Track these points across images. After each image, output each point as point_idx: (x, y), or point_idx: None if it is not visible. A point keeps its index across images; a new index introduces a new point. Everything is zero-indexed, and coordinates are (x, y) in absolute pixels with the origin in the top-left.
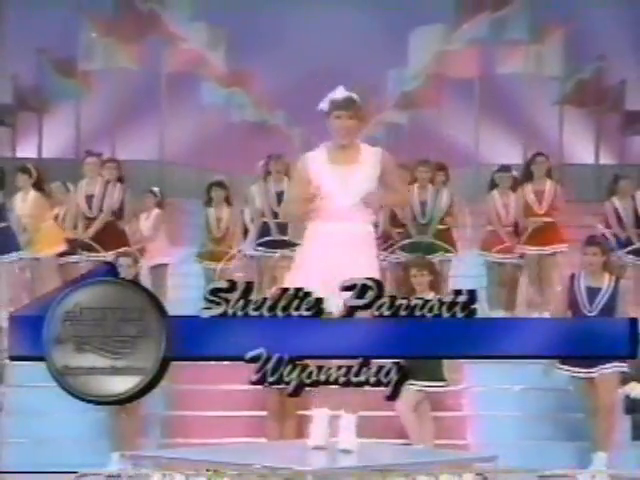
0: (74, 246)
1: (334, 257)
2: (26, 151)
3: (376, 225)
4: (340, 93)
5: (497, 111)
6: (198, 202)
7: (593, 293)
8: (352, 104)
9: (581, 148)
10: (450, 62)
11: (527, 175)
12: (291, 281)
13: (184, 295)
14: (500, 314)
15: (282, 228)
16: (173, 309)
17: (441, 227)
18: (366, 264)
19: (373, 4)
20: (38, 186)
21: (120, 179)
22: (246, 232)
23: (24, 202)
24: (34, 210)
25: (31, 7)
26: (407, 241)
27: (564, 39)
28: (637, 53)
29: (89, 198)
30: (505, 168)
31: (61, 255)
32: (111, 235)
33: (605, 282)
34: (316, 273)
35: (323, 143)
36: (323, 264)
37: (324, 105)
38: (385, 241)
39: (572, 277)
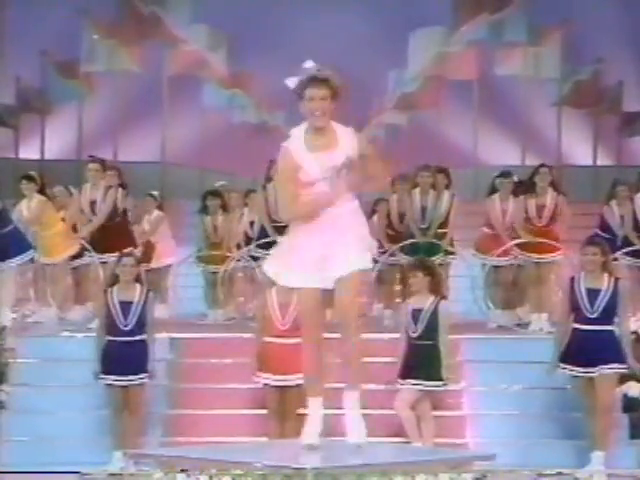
0: (84, 248)
1: (323, 237)
2: (29, 152)
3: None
4: (312, 72)
5: (496, 112)
6: (200, 203)
7: (593, 294)
8: (325, 83)
9: (579, 149)
10: (449, 64)
11: (530, 186)
12: (275, 261)
13: (184, 295)
14: (498, 314)
15: (283, 231)
16: (174, 308)
17: (441, 230)
18: (355, 241)
19: (373, 6)
20: (42, 192)
21: (122, 185)
22: (245, 235)
23: (29, 209)
24: (40, 215)
25: (34, 9)
26: (408, 241)
27: (562, 41)
28: (634, 55)
29: (92, 203)
30: (506, 174)
31: (73, 257)
32: (116, 237)
33: (605, 283)
34: (304, 253)
35: (296, 128)
36: (311, 244)
37: (291, 82)
38: (381, 246)
39: (572, 279)
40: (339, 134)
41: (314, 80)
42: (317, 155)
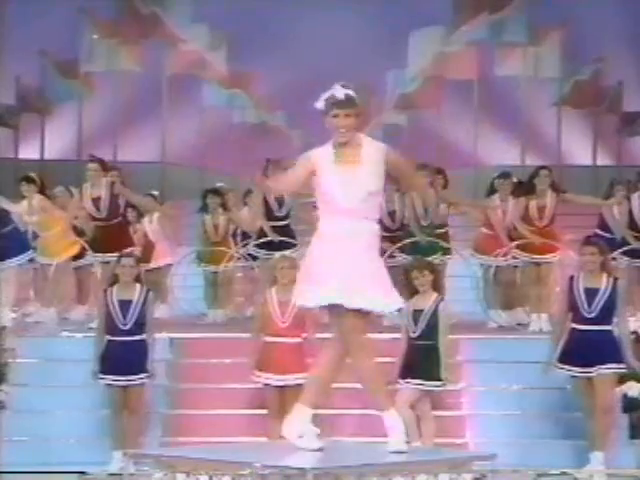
0: (84, 248)
1: (341, 258)
2: (29, 152)
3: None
4: (337, 92)
5: (495, 112)
6: (199, 203)
7: (592, 294)
8: (349, 102)
9: (579, 149)
10: (449, 64)
11: (530, 188)
12: (299, 283)
13: (184, 295)
14: (498, 314)
15: (281, 230)
16: (174, 308)
17: (440, 230)
18: (368, 271)
19: (373, 6)
20: (42, 192)
21: (123, 184)
22: (244, 235)
23: (30, 210)
24: (41, 216)
25: (34, 9)
26: (407, 241)
27: (562, 41)
28: (634, 54)
29: (96, 201)
30: (505, 175)
31: (74, 258)
32: (117, 237)
33: (603, 283)
34: (323, 275)
35: (325, 146)
36: (329, 265)
37: (320, 104)
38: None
39: (571, 279)
40: (365, 149)
41: (341, 99)
42: (338, 167)
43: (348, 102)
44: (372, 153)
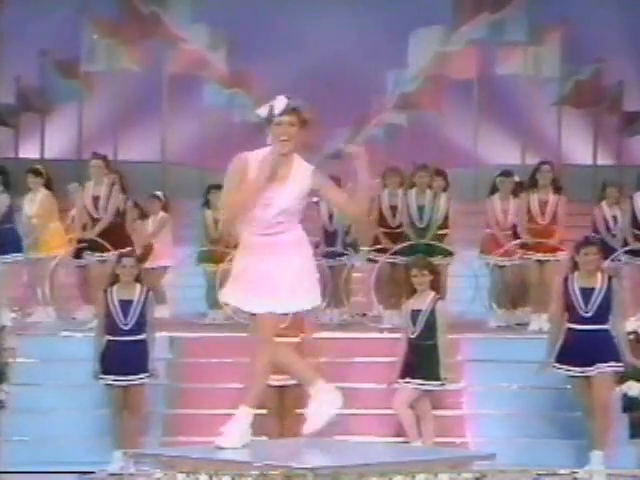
0: (82, 247)
1: (265, 265)
2: (29, 152)
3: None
4: (281, 101)
5: (496, 112)
6: (200, 202)
7: (587, 293)
8: (293, 111)
9: (579, 149)
10: (449, 63)
11: (532, 183)
12: (225, 292)
13: (184, 295)
14: (501, 314)
15: None
16: (174, 309)
17: (440, 232)
18: (298, 265)
19: (373, 6)
20: (47, 186)
21: (122, 188)
22: None
23: (33, 202)
24: (43, 209)
25: (34, 9)
26: (406, 244)
27: (562, 40)
28: (635, 54)
29: (95, 199)
30: (507, 173)
31: (75, 257)
32: (116, 236)
33: (598, 282)
34: (246, 283)
35: (262, 149)
36: (253, 273)
37: (263, 111)
38: (375, 243)
39: (565, 279)
40: (295, 170)
41: (285, 107)
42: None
43: (291, 111)
44: (301, 172)
